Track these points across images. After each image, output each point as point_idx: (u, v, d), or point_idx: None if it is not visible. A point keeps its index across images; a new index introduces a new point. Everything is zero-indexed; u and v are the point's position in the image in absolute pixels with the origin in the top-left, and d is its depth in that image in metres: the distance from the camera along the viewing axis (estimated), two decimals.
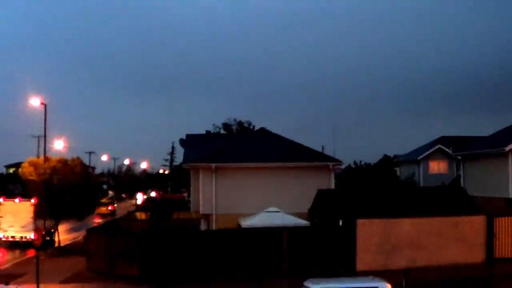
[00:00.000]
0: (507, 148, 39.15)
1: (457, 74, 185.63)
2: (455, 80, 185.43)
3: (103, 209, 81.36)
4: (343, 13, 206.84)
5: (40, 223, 45.78)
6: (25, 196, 47.52)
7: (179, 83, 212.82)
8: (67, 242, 48.79)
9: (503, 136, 42.34)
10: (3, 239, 45.81)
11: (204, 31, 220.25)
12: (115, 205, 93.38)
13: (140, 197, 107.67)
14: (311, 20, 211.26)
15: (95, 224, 56.69)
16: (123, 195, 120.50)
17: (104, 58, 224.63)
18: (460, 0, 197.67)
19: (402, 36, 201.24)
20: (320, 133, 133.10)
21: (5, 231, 46.05)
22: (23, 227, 45.58)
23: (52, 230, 46.45)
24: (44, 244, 44.40)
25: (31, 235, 45.05)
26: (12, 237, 45.74)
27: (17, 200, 47.04)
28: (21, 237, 45.49)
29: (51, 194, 42.93)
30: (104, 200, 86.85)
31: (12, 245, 45.63)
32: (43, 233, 45.58)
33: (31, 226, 45.15)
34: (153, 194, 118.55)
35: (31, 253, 41.49)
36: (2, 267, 37.32)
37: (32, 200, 45.06)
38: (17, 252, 43.88)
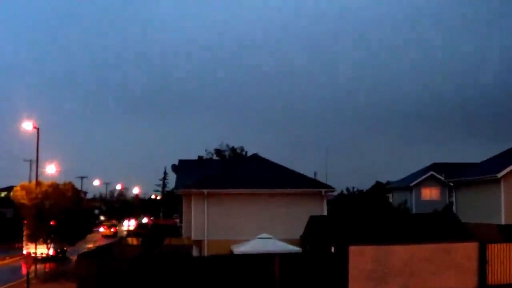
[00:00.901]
0: (500, 175, 39.26)
1: (450, 101, 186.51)
2: (448, 107, 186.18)
3: (107, 231, 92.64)
4: (335, 38, 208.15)
5: (31, 247, 45.92)
6: (18, 220, 48.52)
7: (172, 108, 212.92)
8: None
9: (496, 163, 42.46)
10: (26, 254, 48.25)
11: (197, 56, 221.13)
12: (117, 227, 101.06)
13: (130, 224, 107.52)
14: (303, 44, 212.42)
15: (86, 249, 56.57)
16: (113, 221, 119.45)
17: (98, 83, 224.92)
18: (449, 28, 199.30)
19: (394, 62, 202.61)
20: (313, 158, 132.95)
21: (28, 247, 50.58)
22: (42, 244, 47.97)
23: (65, 248, 52.68)
24: (58, 258, 51.41)
25: (49, 251, 49.68)
26: (33, 253, 47.57)
27: None
28: (41, 253, 48.32)
29: (43, 219, 42.95)
30: (108, 223, 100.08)
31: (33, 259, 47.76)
32: (33, 258, 45.60)
33: (50, 244, 48.47)
34: (145, 220, 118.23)
35: (48, 266, 48.32)
36: None
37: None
38: (36, 265, 45.10)
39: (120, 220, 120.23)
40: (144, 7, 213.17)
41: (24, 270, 43.58)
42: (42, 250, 48.82)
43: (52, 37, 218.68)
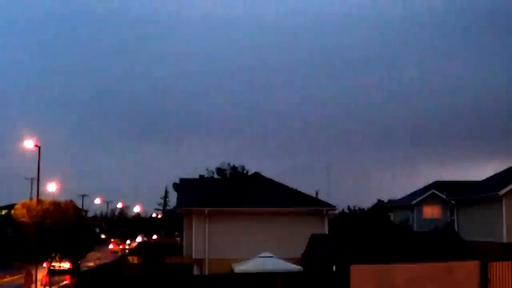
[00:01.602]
0: (501, 193, 39.23)
1: (451, 119, 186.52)
2: (449, 125, 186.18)
3: (116, 248, 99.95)
4: (336, 55, 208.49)
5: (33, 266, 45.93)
6: (18, 238, 48.53)
7: (173, 126, 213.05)
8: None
9: (497, 181, 42.42)
10: (46, 267, 50.80)
11: (197, 75, 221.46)
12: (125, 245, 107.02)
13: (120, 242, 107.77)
14: (303, 63, 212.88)
15: (87, 268, 56.65)
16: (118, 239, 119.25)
17: (99, 101, 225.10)
18: (459, 46, 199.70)
19: (394, 80, 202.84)
20: (314, 176, 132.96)
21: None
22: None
23: (78, 262, 55.57)
24: (73, 271, 54.12)
25: (67, 265, 55.06)
26: (53, 266, 50.26)
27: None
28: (59, 266, 52.71)
29: (43, 237, 42.93)
30: (116, 240, 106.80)
31: (52, 272, 49.03)
32: (34, 277, 45.50)
33: (67, 258, 52.04)
34: (139, 239, 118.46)
35: (66, 278, 52.53)
36: None
37: None
38: (56, 277, 50.42)
39: (123, 239, 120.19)
40: (145, 29, 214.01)
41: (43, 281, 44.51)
42: (58, 263, 52.25)
43: (56, 57, 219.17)
